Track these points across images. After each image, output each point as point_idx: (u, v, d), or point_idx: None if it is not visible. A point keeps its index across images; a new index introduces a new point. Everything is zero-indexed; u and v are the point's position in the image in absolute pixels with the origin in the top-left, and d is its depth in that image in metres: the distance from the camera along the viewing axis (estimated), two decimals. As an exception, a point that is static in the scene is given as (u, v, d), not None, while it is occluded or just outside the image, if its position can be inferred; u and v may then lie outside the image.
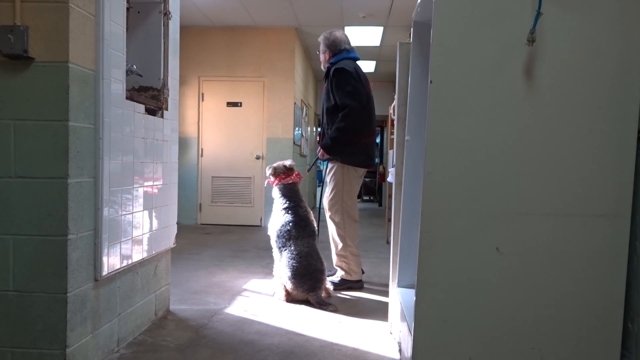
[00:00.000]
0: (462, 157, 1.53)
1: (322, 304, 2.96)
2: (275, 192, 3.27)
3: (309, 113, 9.07)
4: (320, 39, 3.58)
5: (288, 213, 3.15)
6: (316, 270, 3.03)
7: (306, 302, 3.02)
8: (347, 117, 3.28)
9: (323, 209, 3.55)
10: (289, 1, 5.70)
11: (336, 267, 3.49)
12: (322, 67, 3.68)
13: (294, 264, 3.00)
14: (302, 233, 3.09)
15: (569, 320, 1.54)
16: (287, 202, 3.18)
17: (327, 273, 3.20)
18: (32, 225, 1.84)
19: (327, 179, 3.49)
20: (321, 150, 3.45)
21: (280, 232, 3.13)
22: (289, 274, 3.01)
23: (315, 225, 3.24)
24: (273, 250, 3.21)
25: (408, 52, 2.35)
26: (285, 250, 3.09)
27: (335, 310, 2.91)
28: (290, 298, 3.08)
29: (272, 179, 3.30)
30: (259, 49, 6.75)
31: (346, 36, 3.58)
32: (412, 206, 2.23)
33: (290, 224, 3.10)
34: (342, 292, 3.34)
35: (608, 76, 1.49)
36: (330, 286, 3.25)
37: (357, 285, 3.45)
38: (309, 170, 5.01)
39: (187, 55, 6.40)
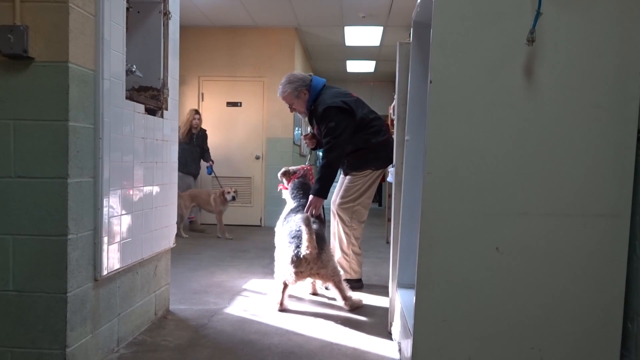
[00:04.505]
0: (462, 157, 1.53)
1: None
2: (288, 194, 3.25)
3: (308, 113, 9.06)
4: (286, 89, 3.33)
5: (302, 201, 3.11)
6: (319, 236, 2.81)
7: (305, 302, 3.02)
8: (329, 152, 3.22)
9: (326, 208, 3.50)
10: (289, 1, 5.70)
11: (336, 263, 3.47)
12: (302, 116, 3.56)
13: (298, 231, 2.80)
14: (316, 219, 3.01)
15: (569, 320, 1.54)
16: (300, 194, 3.15)
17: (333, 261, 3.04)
18: (32, 225, 1.84)
19: (351, 180, 3.39)
20: (313, 198, 3.13)
21: (294, 211, 3.04)
22: (289, 237, 2.82)
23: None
24: (276, 249, 3.10)
25: (408, 52, 2.35)
26: (294, 221, 2.94)
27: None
28: (284, 306, 2.89)
29: (284, 182, 3.30)
30: (259, 49, 6.75)
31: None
32: (412, 206, 2.23)
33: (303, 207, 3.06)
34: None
35: (608, 76, 1.49)
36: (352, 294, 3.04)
37: (357, 285, 3.44)
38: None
39: (187, 55, 6.40)
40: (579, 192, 1.52)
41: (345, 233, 3.40)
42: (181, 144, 5.91)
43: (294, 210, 3.11)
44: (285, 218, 3.11)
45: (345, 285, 2.97)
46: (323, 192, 3.17)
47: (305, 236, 2.66)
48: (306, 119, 3.59)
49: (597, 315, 1.53)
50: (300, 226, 2.77)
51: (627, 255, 1.51)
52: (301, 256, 2.70)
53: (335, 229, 3.48)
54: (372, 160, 3.37)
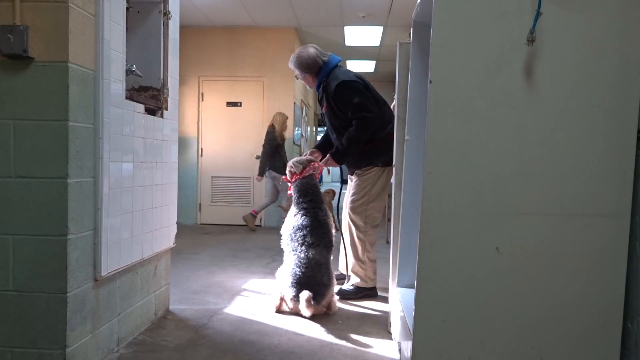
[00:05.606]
0: (462, 157, 1.53)
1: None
2: (293, 190, 3.05)
3: (308, 113, 9.07)
4: (292, 65, 3.24)
5: (307, 215, 2.91)
6: (319, 283, 2.77)
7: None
8: (363, 129, 3.06)
9: (338, 210, 3.38)
10: (289, 1, 5.70)
11: (351, 273, 3.28)
12: (308, 87, 3.43)
13: (298, 272, 2.77)
14: (318, 241, 2.86)
15: (569, 320, 1.54)
16: (306, 201, 2.95)
17: (334, 288, 2.96)
18: (32, 225, 1.84)
19: (358, 181, 3.23)
20: (330, 157, 3.17)
21: (295, 236, 2.88)
22: (290, 280, 2.78)
23: (334, 232, 3.02)
24: (285, 254, 2.99)
25: (408, 52, 2.35)
26: (294, 255, 2.85)
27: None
28: (280, 309, 2.89)
29: (288, 175, 3.12)
30: (259, 49, 6.75)
31: (316, 48, 3.25)
32: (412, 206, 2.23)
33: (308, 229, 2.86)
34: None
35: (608, 76, 1.49)
36: (336, 299, 3.00)
37: (372, 293, 3.26)
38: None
39: (187, 55, 6.40)
40: (579, 192, 1.52)
41: (360, 239, 3.22)
42: (280, 147, 6.03)
43: (298, 220, 2.94)
44: (292, 230, 2.93)
45: (334, 303, 2.94)
46: (340, 158, 3.18)
47: (303, 303, 2.67)
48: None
49: (597, 315, 1.53)
50: (302, 271, 2.77)
51: (627, 255, 1.51)
52: (299, 308, 2.76)
53: (349, 236, 3.28)
54: (376, 156, 3.17)
